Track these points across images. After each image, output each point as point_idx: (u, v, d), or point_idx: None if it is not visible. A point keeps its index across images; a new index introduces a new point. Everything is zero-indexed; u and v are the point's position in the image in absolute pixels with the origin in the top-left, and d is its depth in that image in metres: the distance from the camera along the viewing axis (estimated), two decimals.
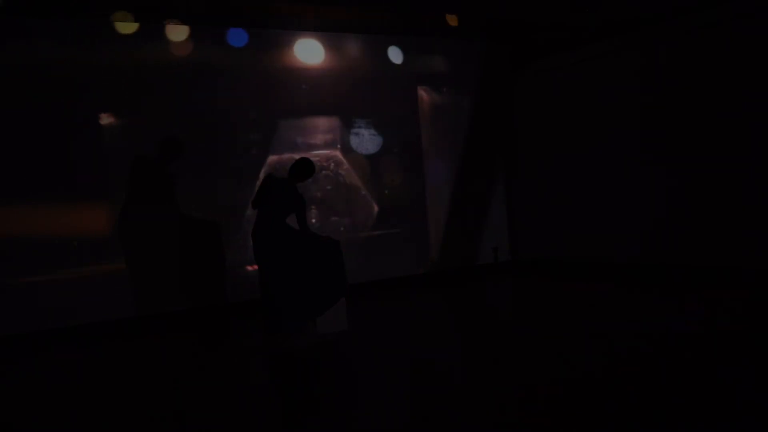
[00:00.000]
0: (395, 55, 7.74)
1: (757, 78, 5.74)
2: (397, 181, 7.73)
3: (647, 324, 4.80)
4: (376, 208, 7.53)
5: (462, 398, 3.48)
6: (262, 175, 6.55)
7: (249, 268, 6.57)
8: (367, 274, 7.29)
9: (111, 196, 6.14)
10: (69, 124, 5.98)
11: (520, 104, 8.45)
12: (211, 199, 6.58)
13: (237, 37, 6.79)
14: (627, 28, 6.93)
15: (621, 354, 4.02)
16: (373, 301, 6.91)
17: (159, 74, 6.40)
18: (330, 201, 7.26)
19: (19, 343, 5.64)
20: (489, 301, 7.01)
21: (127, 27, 6.21)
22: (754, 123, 5.79)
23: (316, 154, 7.12)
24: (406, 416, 3.29)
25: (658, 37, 6.61)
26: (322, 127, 7.26)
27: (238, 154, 6.77)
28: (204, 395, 3.97)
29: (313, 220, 7.07)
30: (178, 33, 6.47)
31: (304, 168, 5.20)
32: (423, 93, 7.98)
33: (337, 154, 7.26)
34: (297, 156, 5.87)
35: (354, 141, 7.38)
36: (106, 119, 6.15)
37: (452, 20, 7.42)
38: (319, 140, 7.22)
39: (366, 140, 7.46)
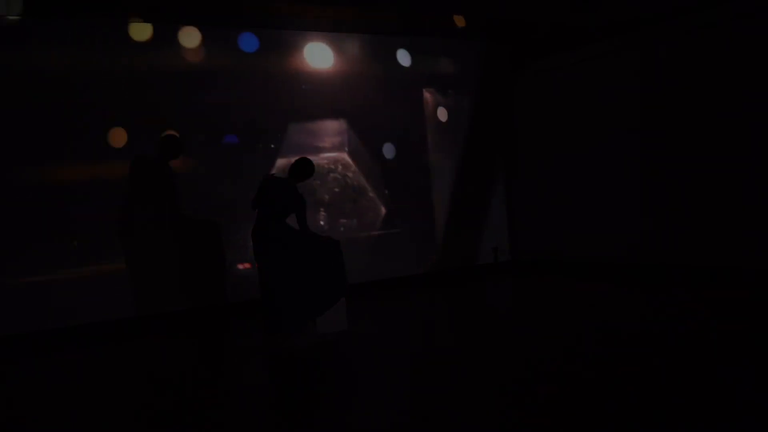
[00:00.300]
0: (403, 57, 7.75)
1: (757, 78, 5.74)
2: (401, 182, 7.75)
3: (647, 324, 4.80)
4: (383, 210, 7.55)
5: (462, 398, 3.48)
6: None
7: (240, 266, 6.57)
8: (367, 274, 7.29)
9: (111, 196, 6.14)
10: (69, 125, 5.98)
11: (520, 104, 8.45)
12: (211, 199, 6.58)
13: (248, 42, 6.80)
14: (627, 28, 6.93)
15: (621, 354, 4.02)
16: (373, 301, 6.91)
17: (161, 75, 6.40)
18: (338, 203, 7.27)
19: (19, 343, 5.64)
20: (489, 301, 7.01)
21: (136, 29, 6.21)
22: (754, 123, 5.79)
23: (324, 157, 7.15)
24: (406, 416, 3.29)
25: (658, 37, 6.61)
26: (329, 129, 7.27)
27: (241, 155, 6.77)
28: (204, 395, 3.97)
29: (321, 222, 7.08)
30: (179, 34, 6.48)
31: (304, 168, 5.20)
32: (425, 93, 7.98)
33: (345, 156, 7.27)
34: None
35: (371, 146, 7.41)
36: (108, 120, 6.15)
37: (459, 21, 7.43)
38: (327, 143, 7.22)
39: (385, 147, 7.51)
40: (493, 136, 8.50)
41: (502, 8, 7.04)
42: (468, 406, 3.33)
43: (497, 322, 5.81)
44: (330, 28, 7.26)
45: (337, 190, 7.23)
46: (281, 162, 6.83)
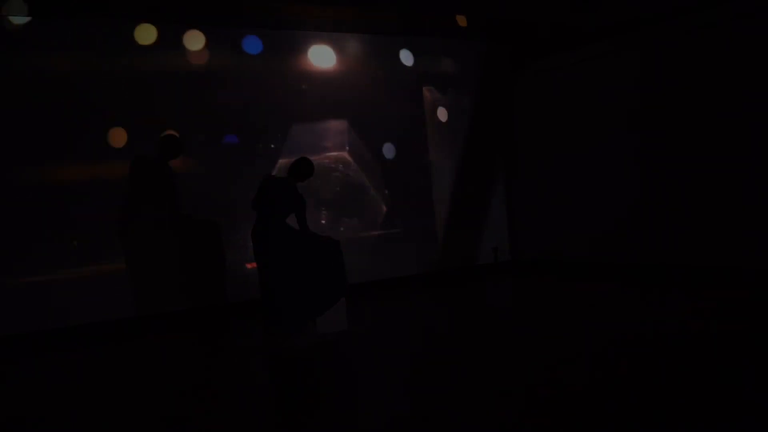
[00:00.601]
0: (404, 57, 7.76)
1: (757, 78, 5.74)
2: (402, 181, 7.76)
3: (647, 324, 4.80)
4: (384, 209, 7.55)
5: (462, 398, 3.48)
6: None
7: (248, 266, 6.58)
8: (367, 274, 7.29)
9: (111, 196, 6.14)
10: (69, 125, 5.98)
11: (520, 104, 8.45)
12: (211, 199, 6.58)
13: (251, 45, 6.81)
14: (627, 28, 6.93)
15: (621, 354, 4.02)
16: (373, 301, 6.91)
17: (161, 75, 6.40)
18: (339, 202, 7.27)
19: (19, 343, 5.65)
20: (489, 301, 7.01)
21: (139, 31, 6.21)
22: (754, 123, 5.79)
23: (325, 156, 7.16)
24: (406, 416, 3.29)
25: (658, 37, 6.61)
26: (330, 129, 7.27)
27: (241, 155, 6.77)
28: (204, 395, 3.97)
29: (323, 221, 7.09)
30: (183, 36, 6.48)
31: (304, 168, 5.20)
32: (424, 93, 7.98)
33: (346, 155, 7.27)
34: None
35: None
36: (108, 120, 6.16)
37: (462, 20, 7.43)
38: (328, 142, 7.22)
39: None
40: (493, 136, 8.51)
41: (502, 8, 7.04)
42: (468, 406, 3.33)
43: (497, 322, 5.80)
44: (330, 28, 7.26)
45: (338, 189, 7.24)
46: (283, 162, 6.84)
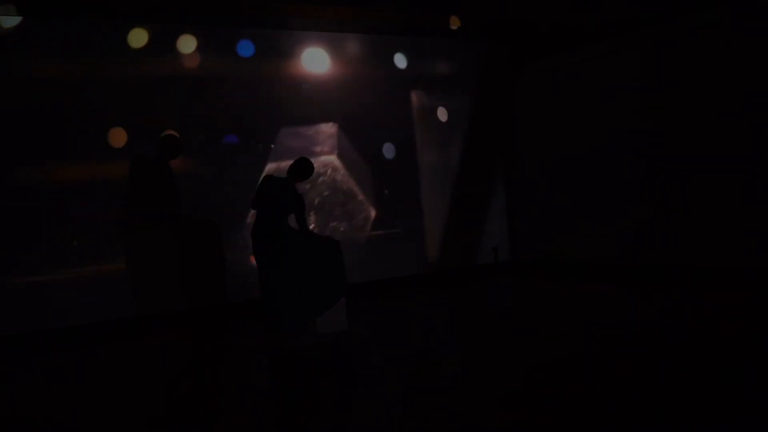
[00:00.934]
0: (401, 58, 7.74)
1: (758, 78, 5.74)
2: (401, 181, 7.75)
3: (647, 324, 4.80)
4: (373, 213, 7.52)
5: (462, 398, 3.48)
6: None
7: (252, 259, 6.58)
8: (367, 274, 7.29)
9: (111, 196, 6.14)
10: (69, 125, 5.98)
11: (520, 104, 8.45)
12: (211, 199, 6.58)
13: (244, 48, 6.81)
14: (627, 28, 6.93)
15: (621, 354, 4.02)
16: (373, 301, 6.91)
17: (160, 76, 6.40)
18: (328, 207, 7.25)
19: (19, 343, 5.65)
20: (489, 301, 7.00)
21: (135, 35, 6.21)
22: (754, 123, 5.79)
23: (314, 161, 7.12)
24: (406, 416, 3.29)
25: (658, 37, 6.60)
26: (319, 132, 7.23)
27: (242, 155, 6.78)
28: (204, 395, 3.97)
29: (312, 226, 7.07)
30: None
31: (304, 168, 5.20)
32: (423, 93, 7.98)
33: (334, 159, 7.25)
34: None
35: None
36: (108, 120, 6.16)
37: (455, 23, 7.42)
38: (317, 146, 7.19)
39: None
40: (493, 136, 8.50)
41: (502, 8, 7.04)
42: (468, 406, 3.33)
43: (497, 322, 5.80)
44: (329, 28, 7.26)
45: (326, 193, 7.20)
46: (271, 167, 6.81)
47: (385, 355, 4.66)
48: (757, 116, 5.75)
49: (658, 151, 6.66)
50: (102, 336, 5.96)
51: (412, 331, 5.52)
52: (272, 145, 6.95)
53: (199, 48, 6.57)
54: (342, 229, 7.24)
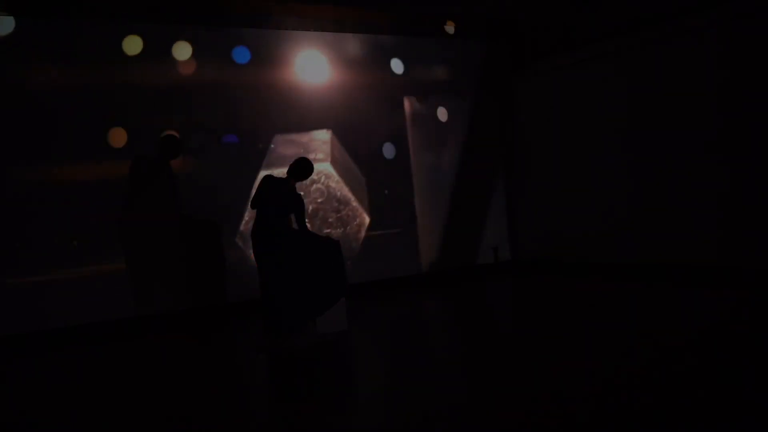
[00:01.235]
0: (397, 65, 7.73)
1: (758, 78, 5.74)
2: (401, 181, 7.75)
3: (647, 324, 4.80)
4: (367, 220, 7.50)
5: (462, 398, 3.48)
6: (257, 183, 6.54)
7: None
8: (366, 274, 7.29)
9: (111, 196, 6.15)
10: (69, 125, 5.98)
11: (520, 104, 8.45)
12: (211, 199, 6.58)
13: (240, 55, 6.80)
14: (627, 28, 6.93)
15: (621, 353, 4.02)
16: (373, 301, 6.91)
17: (159, 76, 6.41)
18: (322, 213, 7.22)
19: (19, 343, 5.65)
20: (489, 301, 7.01)
21: (129, 42, 6.21)
22: (754, 123, 5.79)
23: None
24: (406, 416, 3.29)
25: (658, 37, 6.60)
26: (312, 139, 7.21)
27: (243, 155, 6.78)
28: (204, 395, 3.97)
29: None
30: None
31: (303, 167, 5.20)
32: (422, 93, 7.97)
33: (327, 166, 7.23)
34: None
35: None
36: (108, 120, 6.16)
37: (450, 28, 7.42)
38: (310, 153, 7.11)
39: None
40: (493, 136, 8.51)
41: (502, 8, 7.05)
42: (468, 406, 3.33)
43: (497, 322, 5.81)
44: (327, 28, 7.25)
45: (320, 200, 7.18)
46: (263, 174, 6.79)
47: (385, 356, 4.65)
48: (757, 116, 5.75)
49: (658, 150, 6.66)
50: (102, 336, 5.96)
51: (412, 331, 5.52)
52: (272, 145, 6.94)
53: (194, 54, 6.54)
54: (336, 236, 7.23)
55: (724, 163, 6.06)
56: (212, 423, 3.41)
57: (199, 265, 6.55)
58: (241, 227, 6.66)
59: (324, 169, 7.18)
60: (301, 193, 5.27)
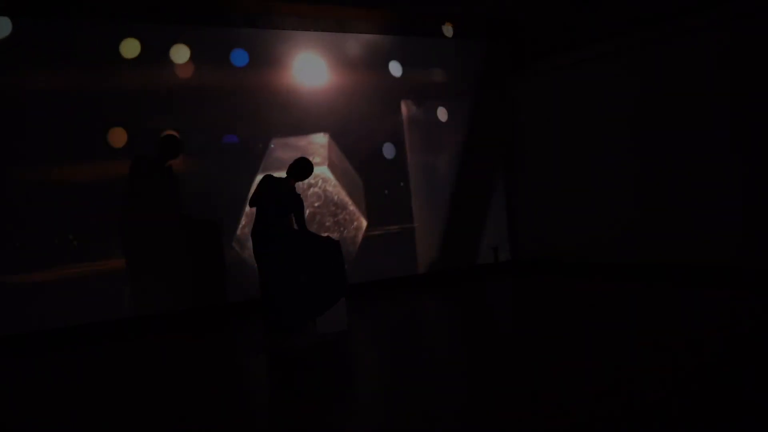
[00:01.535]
0: (395, 67, 7.73)
1: (758, 78, 5.74)
2: (400, 182, 7.75)
3: (647, 323, 4.80)
4: (365, 223, 7.49)
5: (462, 398, 3.48)
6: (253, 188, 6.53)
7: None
8: (366, 274, 7.29)
9: (111, 196, 6.14)
10: (69, 125, 5.98)
11: (520, 104, 8.45)
12: (211, 199, 6.58)
13: (238, 57, 6.80)
14: (627, 28, 6.93)
15: (620, 353, 4.02)
16: (373, 301, 6.91)
17: (160, 76, 6.41)
18: (319, 218, 7.21)
19: (19, 343, 5.65)
20: (489, 301, 7.01)
21: (127, 46, 6.21)
22: (754, 123, 5.78)
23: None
24: (406, 416, 3.29)
25: (658, 37, 6.60)
26: (310, 142, 7.19)
27: (242, 155, 6.78)
28: (204, 395, 3.97)
29: None
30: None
31: (303, 167, 5.20)
32: (422, 93, 7.97)
33: (325, 170, 7.22)
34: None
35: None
36: (108, 120, 6.16)
37: (448, 30, 7.42)
38: (307, 156, 7.08)
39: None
40: (493, 136, 8.50)
41: (502, 8, 7.05)
42: (468, 406, 3.33)
43: (497, 322, 5.81)
44: (326, 28, 7.24)
45: (317, 204, 7.16)
46: (259, 177, 6.80)
47: (385, 356, 4.65)
48: (757, 116, 5.75)
49: (658, 150, 6.66)
50: (102, 336, 5.96)
51: (412, 331, 5.52)
52: (272, 145, 6.94)
53: (192, 57, 6.53)
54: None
55: (724, 163, 6.06)
56: (212, 423, 3.41)
57: (199, 265, 6.54)
58: (238, 232, 6.66)
59: (321, 172, 7.16)
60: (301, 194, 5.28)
